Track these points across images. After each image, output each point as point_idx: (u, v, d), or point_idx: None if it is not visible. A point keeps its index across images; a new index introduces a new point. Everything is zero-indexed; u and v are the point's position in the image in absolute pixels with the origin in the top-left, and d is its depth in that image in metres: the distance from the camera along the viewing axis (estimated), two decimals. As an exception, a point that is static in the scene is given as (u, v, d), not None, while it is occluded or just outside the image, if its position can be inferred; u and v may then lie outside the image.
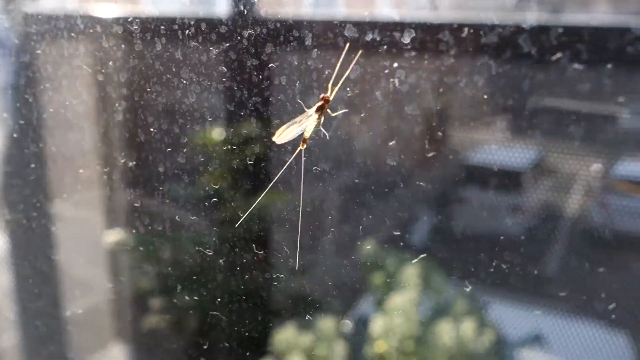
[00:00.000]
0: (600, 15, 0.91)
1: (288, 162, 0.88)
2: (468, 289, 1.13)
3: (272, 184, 0.91)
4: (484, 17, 0.79)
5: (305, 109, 0.85)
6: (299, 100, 0.89)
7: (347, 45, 0.79)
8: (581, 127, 0.88)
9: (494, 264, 0.91)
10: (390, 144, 0.96)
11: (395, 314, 1.23)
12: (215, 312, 1.19)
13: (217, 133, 1.06)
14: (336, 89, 0.81)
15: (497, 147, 1.10)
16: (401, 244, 1.14)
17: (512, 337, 1.18)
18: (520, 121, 0.93)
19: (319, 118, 0.84)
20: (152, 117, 1.10)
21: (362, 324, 1.28)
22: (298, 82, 0.93)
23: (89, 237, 1.49)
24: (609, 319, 0.94)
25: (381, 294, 1.25)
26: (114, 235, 1.44)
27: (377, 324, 1.24)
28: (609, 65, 0.77)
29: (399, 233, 1.11)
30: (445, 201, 1.09)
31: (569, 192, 0.97)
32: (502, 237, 1.00)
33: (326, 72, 0.88)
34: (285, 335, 1.26)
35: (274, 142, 0.85)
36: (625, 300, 0.89)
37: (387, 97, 0.89)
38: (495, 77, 0.81)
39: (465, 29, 0.75)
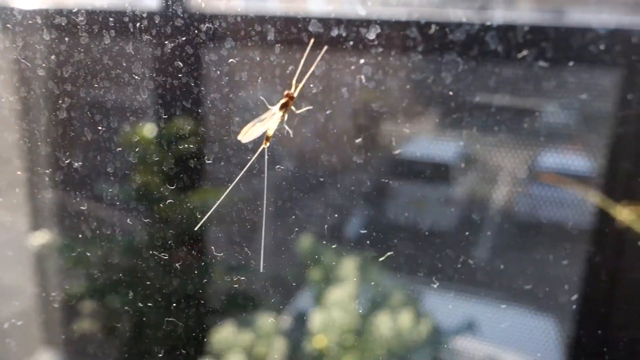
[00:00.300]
0: (527, 13, 0.95)
1: (250, 162, 0.86)
2: (406, 281, 1.15)
3: (234, 183, 0.89)
4: (411, 14, 0.80)
5: (268, 106, 0.84)
6: (261, 97, 0.87)
7: (312, 41, 0.78)
8: (507, 121, 0.91)
9: (427, 254, 0.94)
10: (326, 139, 0.96)
11: (334, 308, 1.24)
12: (150, 314, 1.16)
13: (148, 130, 1.03)
14: (300, 85, 0.79)
15: (427, 141, 1.13)
16: (337, 238, 1.15)
17: (446, 326, 1.22)
18: (449, 115, 0.95)
19: (283, 116, 0.82)
20: (79, 114, 1.05)
21: (301, 319, 1.28)
22: (228, 77, 0.92)
23: (14, 240, 1.42)
24: (536, 304, 0.98)
25: (319, 289, 1.25)
26: (41, 238, 1.37)
27: (316, 319, 1.25)
28: (539, 63, 0.81)
29: (335, 228, 1.12)
30: (380, 195, 1.11)
31: (496, 184, 1.01)
32: (433, 229, 1.03)
33: (263, 67, 0.87)
34: (224, 334, 1.24)
35: (239, 140, 0.83)
36: (549, 286, 0.94)
37: (315, 94, 0.89)
38: (424, 73, 0.83)
39: (391, 25, 0.77)
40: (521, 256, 0.94)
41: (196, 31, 0.90)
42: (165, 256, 1.06)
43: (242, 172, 0.87)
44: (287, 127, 0.84)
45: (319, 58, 0.76)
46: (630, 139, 0.87)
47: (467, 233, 0.97)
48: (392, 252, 0.97)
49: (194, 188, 1.01)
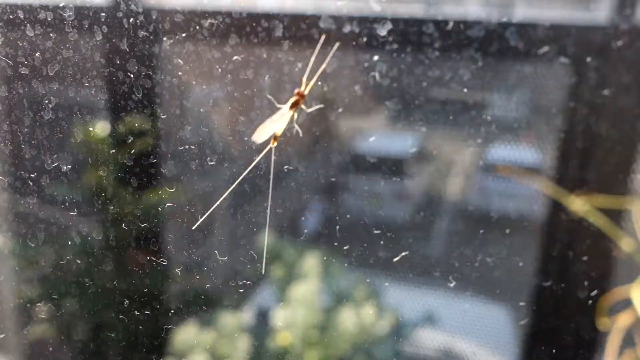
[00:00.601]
0: (474, 8, 0.96)
1: (255, 161, 0.83)
2: (367, 275, 1.16)
3: (234, 185, 0.86)
4: (356, 7, 0.81)
5: (277, 105, 0.80)
6: (268, 96, 0.84)
7: (322, 37, 0.77)
8: (460, 115, 0.92)
9: (385, 248, 0.94)
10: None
11: (297, 305, 1.24)
12: (107, 317, 1.14)
13: (100, 128, 1.01)
14: (311, 83, 0.77)
15: (381, 136, 1.13)
16: (298, 234, 1.14)
17: (408, 318, 1.23)
18: (403, 110, 0.96)
19: (293, 115, 0.80)
20: (28, 112, 1.02)
21: (264, 317, 1.28)
22: (184, 73, 0.91)
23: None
24: (490, 293, 1.00)
25: (282, 286, 1.25)
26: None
27: (279, 316, 1.24)
28: (488, 59, 0.82)
29: (296, 224, 1.12)
30: (338, 190, 1.11)
31: (451, 176, 1.02)
32: (390, 222, 1.03)
33: (218, 62, 0.86)
34: (186, 334, 1.23)
35: (253, 141, 0.79)
36: (505, 276, 0.96)
37: (262, 86, 0.89)
38: (376, 68, 0.83)
39: (337, 19, 0.77)
40: (477, 247, 0.95)
41: (150, 26, 0.89)
42: (121, 257, 1.04)
43: (246, 172, 0.85)
44: (296, 127, 0.82)
45: (315, 54, 0.75)
46: (580, 131, 0.89)
47: (423, 226, 0.98)
48: (351, 247, 0.97)
49: (150, 187, 0.99)
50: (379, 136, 1.14)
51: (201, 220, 0.91)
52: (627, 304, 0.46)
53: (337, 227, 0.98)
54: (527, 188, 1.07)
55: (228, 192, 0.86)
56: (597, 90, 0.83)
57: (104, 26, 0.89)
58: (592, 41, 0.81)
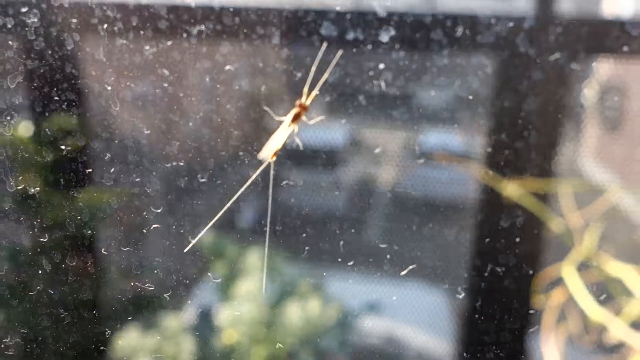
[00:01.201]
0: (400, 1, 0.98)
1: (253, 177, 0.80)
2: (310, 268, 1.16)
3: (229, 203, 0.82)
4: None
5: (275, 118, 0.77)
6: (265, 108, 0.81)
7: (324, 44, 0.74)
8: (396, 105, 0.94)
9: (325, 239, 0.94)
10: (214, 131, 0.94)
11: (242, 302, 1.23)
12: (43, 326, 1.08)
13: (24, 129, 0.96)
14: (313, 94, 0.73)
15: (315, 127, 1.14)
16: (238, 231, 1.13)
17: (352, 308, 1.24)
18: (334, 101, 0.97)
19: (294, 128, 0.76)
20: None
21: (208, 316, 1.26)
22: (113, 69, 0.87)
23: None
24: (429, 277, 1.03)
25: (225, 284, 1.23)
26: None
27: (224, 315, 1.23)
28: (419, 50, 0.83)
29: (234, 220, 1.10)
30: (276, 185, 1.10)
31: (387, 166, 1.04)
32: (329, 214, 1.04)
33: (146, 58, 0.83)
34: (128, 339, 1.19)
35: (261, 159, 0.76)
36: (443, 261, 0.98)
37: (201, 83, 0.87)
38: (306, 58, 0.83)
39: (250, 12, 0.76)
40: (415, 234, 0.97)
41: (75, 20, 0.84)
42: (54, 262, 0.99)
43: (243, 188, 0.81)
44: (297, 140, 0.79)
45: (316, 63, 0.73)
46: (508, 118, 0.92)
47: (362, 215, 0.99)
48: (294, 241, 0.97)
49: (81, 189, 0.95)
50: (313, 129, 1.14)
51: (193, 242, 0.88)
52: (559, 281, 0.48)
53: (277, 221, 0.97)
54: (462, 175, 1.10)
55: (222, 211, 0.83)
56: (521, 79, 0.86)
57: (26, 22, 0.84)
58: (516, 31, 0.84)
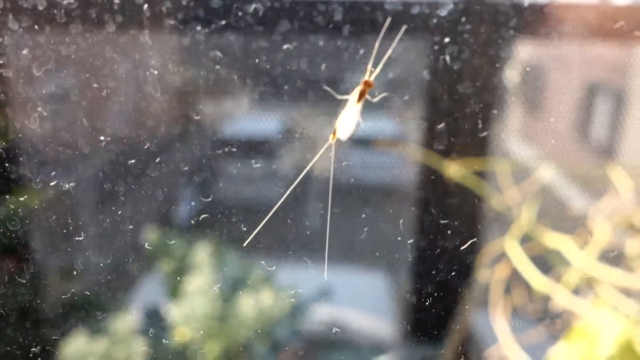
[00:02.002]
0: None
1: (316, 158, 0.77)
2: (258, 259, 1.16)
3: (289, 190, 0.80)
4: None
5: (337, 97, 0.75)
6: (326, 88, 0.78)
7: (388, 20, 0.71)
8: (326, 92, 0.95)
9: (270, 230, 0.94)
10: (145, 124, 0.92)
11: (193, 298, 1.21)
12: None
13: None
14: (377, 71, 0.71)
15: (247, 119, 1.14)
16: (182, 226, 1.11)
17: (303, 297, 1.26)
18: (266, 92, 0.97)
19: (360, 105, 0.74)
20: None
21: (157, 315, 1.23)
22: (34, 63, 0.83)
23: None
24: (369, 263, 1.05)
25: (173, 280, 1.21)
26: None
27: (175, 312, 1.21)
28: (351, 35, 0.84)
29: (176, 216, 1.08)
30: (211, 176, 1.09)
31: (323, 153, 1.05)
32: (268, 204, 1.04)
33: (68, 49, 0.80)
34: (75, 345, 1.15)
35: (338, 139, 0.74)
36: (389, 246, 1.01)
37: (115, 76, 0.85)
38: (236, 51, 0.83)
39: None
40: (357, 219, 0.99)
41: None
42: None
43: (304, 172, 0.79)
44: (359, 118, 0.75)
45: (378, 40, 0.71)
46: (445, 101, 0.95)
47: (302, 204, 1.00)
48: (237, 232, 0.96)
49: (10, 191, 0.91)
50: (245, 119, 1.14)
51: (251, 237, 0.84)
52: (503, 256, 0.51)
53: (218, 213, 0.96)
54: (401, 159, 1.13)
55: (283, 199, 0.81)
56: (452, 62, 0.89)
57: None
58: (443, 16, 0.87)
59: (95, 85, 0.89)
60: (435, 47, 0.87)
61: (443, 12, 0.86)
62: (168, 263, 1.20)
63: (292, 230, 0.98)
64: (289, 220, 0.97)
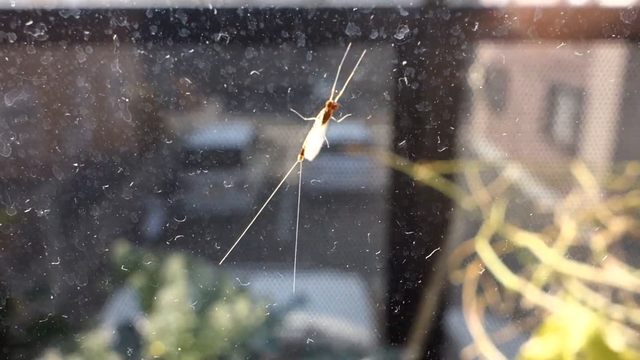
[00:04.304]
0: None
1: (285, 177, 0.82)
2: (232, 270, 1.15)
3: (266, 202, 0.83)
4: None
5: (303, 118, 0.79)
6: (291, 110, 0.82)
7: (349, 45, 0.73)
8: (298, 99, 0.95)
9: (242, 239, 0.94)
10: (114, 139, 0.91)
11: (167, 312, 1.20)
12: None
13: None
14: (340, 93, 0.75)
15: (215, 129, 1.14)
16: (152, 240, 1.10)
17: (278, 305, 1.25)
18: (232, 102, 0.97)
19: (326, 127, 0.78)
20: None
21: (131, 331, 1.21)
22: None
23: None
24: (343, 267, 1.06)
25: (146, 295, 1.19)
26: None
27: (149, 326, 1.19)
28: (317, 44, 0.85)
29: (146, 230, 1.07)
30: (180, 188, 1.08)
31: (292, 161, 1.04)
32: (239, 213, 1.04)
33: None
34: (47, 366, 1.12)
35: (304, 160, 0.78)
36: (361, 250, 1.01)
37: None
38: (199, 62, 0.83)
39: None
40: (330, 225, 0.99)
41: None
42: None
43: (272, 195, 0.83)
44: (325, 139, 0.79)
45: (342, 61, 0.72)
46: (413, 106, 0.96)
47: (273, 212, 0.99)
48: (209, 243, 0.95)
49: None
50: (212, 129, 1.14)
51: (226, 256, 0.86)
52: (474, 256, 0.51)
53: (188, 226, 0.95)
54: (370, 163, 1.14)
55: (256, 216, 0.85)
56: (414, 67, 0.90)
57: None
58: (408, 21, 0.88)
59: (67, 113, 0.88)
60: (398, 52, 0.88)
61: (406, 16, 0.88)
62: (140, 278, 1.18)
63: (264, 242, 0.98)
64: (262, 234, 0.97)
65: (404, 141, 0.96)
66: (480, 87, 1.18)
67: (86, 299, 0.97)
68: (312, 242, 0.91)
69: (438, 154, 0.94)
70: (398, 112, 0.98)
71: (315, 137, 0.78)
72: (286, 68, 0.88)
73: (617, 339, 0.39)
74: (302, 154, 0.79)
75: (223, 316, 1.21)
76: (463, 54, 0.93)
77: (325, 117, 0.78)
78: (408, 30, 0.85)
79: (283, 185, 0.83)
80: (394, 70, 0.91)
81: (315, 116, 0.79)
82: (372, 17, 0.85)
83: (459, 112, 1.02)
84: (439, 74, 0.92)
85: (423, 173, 0.65)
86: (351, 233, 0.99)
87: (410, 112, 0.95)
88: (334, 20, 0.85)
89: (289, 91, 0.87)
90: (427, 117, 0.95)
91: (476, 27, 0.89)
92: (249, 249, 0.94)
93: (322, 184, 1.02)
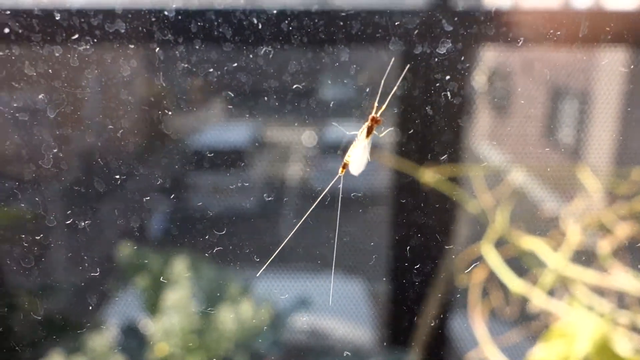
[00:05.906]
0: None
1: (325, 190, 0.81)
2: (236, 271, 1.15)
3: (305, 216, 0.82)
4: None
5: (347, 133, 0.80)
6: (333, 124, 0.83)
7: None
8: (300, 102, 0.95)
9: (248, 240, 0.94)
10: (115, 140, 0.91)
11: (171, 312, 1.20)
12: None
13: None
14: (383, 106, 0.74)
15: (220, 129, 1.14)
16: (156, 241, 1.10)
17: (283, 307, 1.25)
18: (238, 102, 0.97)
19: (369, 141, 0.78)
20: None
21: (135, 331, 1.21)
22: None
23: None
24: (347, 270, 1.06)
25: (151, 295, 1.20)
26: None
27: (154, 327, 1.19)
28: (319, 46, 0.85)
29: (151, 230, 1.07)
30: (185, 189, 1.08)
31: (295, 162, 1.05)
32: (244, 214, 1.04)
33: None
34: (50, 366, 1.12)
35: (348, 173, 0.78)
36: (366, 253, 1.01)
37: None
38: (207, 63, 0.83)
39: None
40: (334, 227, 0.99)
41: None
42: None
43: (315, 204, 0.82)
44: (368, 154, 0.79)
45: (385, 76, 0.72)
46: (419, 109, 0.96)
47: (277, 213, 1.00)
48: (215, 245, 0.95)
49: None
50: (219, 130, 1.14)
51: (263, 269, 0.87)
52: (480, 260, 0.51)
53: (191, 226, 0.96)
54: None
55: (295, 229, 0.85)
56: (420, 70, 0.90)
57: None
58: (413, 24, 0.88)
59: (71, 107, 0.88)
60: (403, 55, 0.88)
61: (411, 20, 0.88)
62: (144, 278, 1.18)
63: (264, 241, 0.98)
64: (261, 231, 0.97)
65: (411, 144, 0.96)
66: (485, 90, 1.18)
67: (91, 299, 0.97)
68: (317, 243, 0.91)
69: (443, 158, 0.94)
70: (403, 115, 0.98)
71: (358, 152, 0.78)
72: (329, 82, 0.89)
73: (624, 345, 0.39)
74: (344, 167, 0.79)
75: (227, 317, 1.21)
76: (469, 56, 0.93)
77: (369, 132, 0.78)
78: (412, 32, 0.86)
79: (293, 187, 0.84)
80: (398, 72, 0.91)
81: (358, 131, 0.79)
82: (374, 18, 0.85)
83: (465, 115, 1.02)
84: (444, 77, 0.92)
85: (428, 176, 0.65)
86: (355, 235, 0.99)
87: (415, 114, 0.95)
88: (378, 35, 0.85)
89: (331, 104, 0.88)
90: (433, 121, 0.95)
91: (480, 29, 0.89)
92: (249, 249, 0.94)
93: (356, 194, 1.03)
